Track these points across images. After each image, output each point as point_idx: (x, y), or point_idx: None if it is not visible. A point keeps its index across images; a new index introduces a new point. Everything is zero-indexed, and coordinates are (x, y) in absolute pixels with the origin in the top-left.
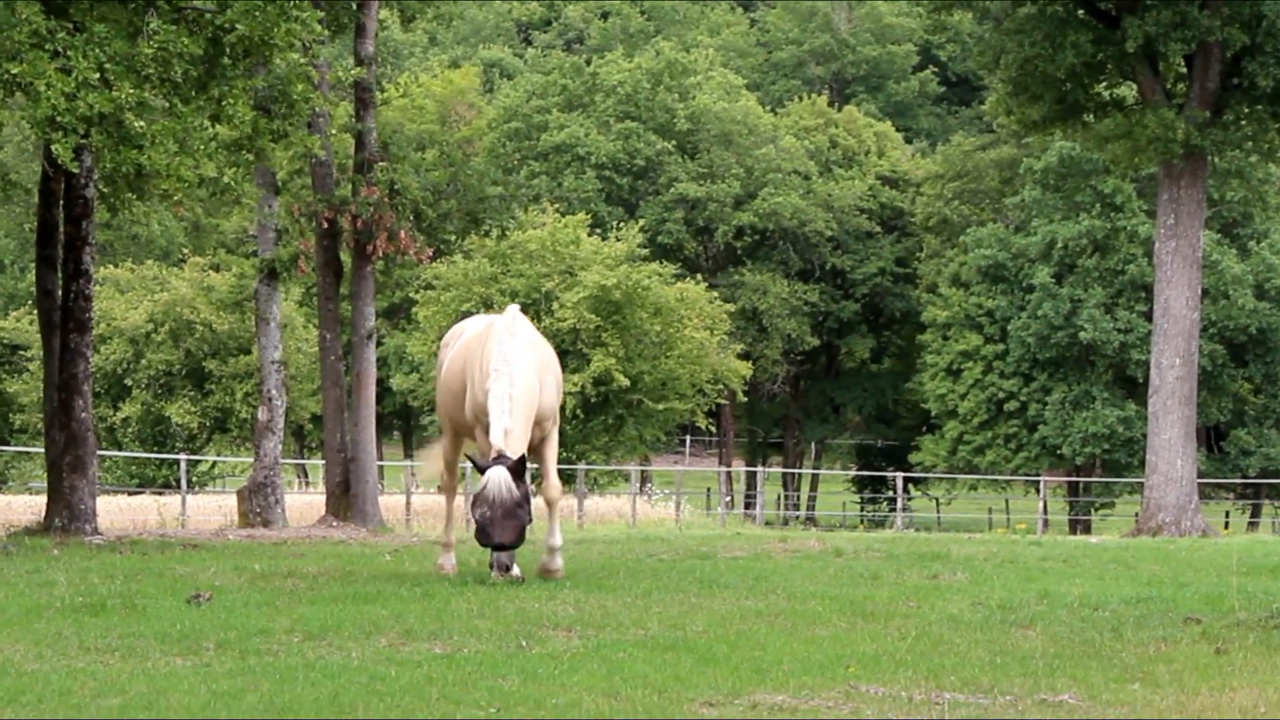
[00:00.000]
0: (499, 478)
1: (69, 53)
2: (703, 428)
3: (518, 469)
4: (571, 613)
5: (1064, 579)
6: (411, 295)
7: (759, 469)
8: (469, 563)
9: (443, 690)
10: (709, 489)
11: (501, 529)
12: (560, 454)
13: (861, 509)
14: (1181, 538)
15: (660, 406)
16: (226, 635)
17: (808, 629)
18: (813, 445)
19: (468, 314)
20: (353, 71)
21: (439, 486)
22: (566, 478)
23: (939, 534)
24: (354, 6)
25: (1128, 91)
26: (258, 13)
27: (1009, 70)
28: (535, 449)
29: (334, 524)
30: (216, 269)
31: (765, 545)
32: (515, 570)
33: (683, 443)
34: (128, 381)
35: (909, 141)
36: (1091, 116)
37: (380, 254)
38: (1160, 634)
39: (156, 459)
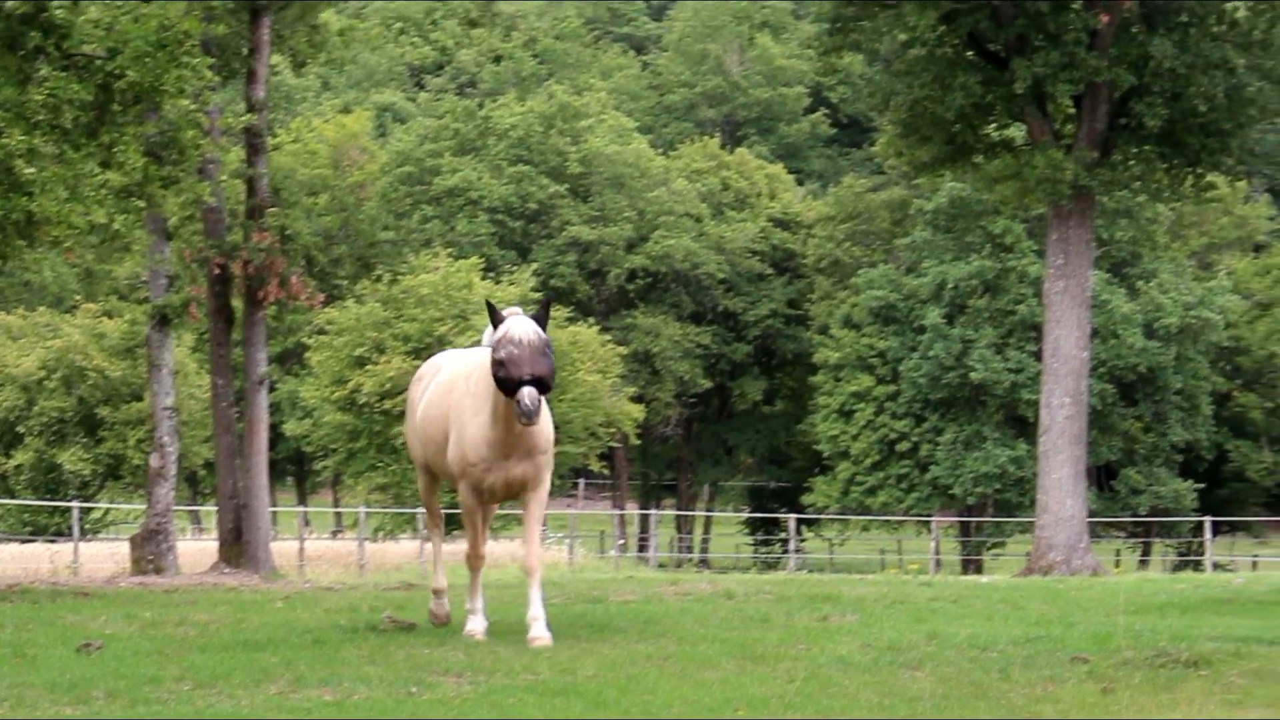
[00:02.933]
0: (521, 320)
1: None
2: (596, 471)
3: (539, 319)
4: (462, 658)
5: (953, 619)
6: (304, 340)
7: (652, 511)
8: (361, 609)
9: None
10: (603, 532)
11: (533, 361)
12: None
13: (754, 551)
14: (1072, 577)
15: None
16: (116, 684)
17: (698, 672)
18: (706, 487)
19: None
20: (244, 117)
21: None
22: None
23: (831, 575)
24: (245, 52)
25: (1017, 132)
26: (148, 59)
27: (899, 112)
28: (525, 497)
29: (226, 571)
30: (109, 315)
31: (657, 588)
32: (480, 624)
33: (576, 486)
34: (20, 429)
35: (800, 183)
36: (981, 157)
37: (272, 299)
38: (1048, 674)
39: (49, 506)
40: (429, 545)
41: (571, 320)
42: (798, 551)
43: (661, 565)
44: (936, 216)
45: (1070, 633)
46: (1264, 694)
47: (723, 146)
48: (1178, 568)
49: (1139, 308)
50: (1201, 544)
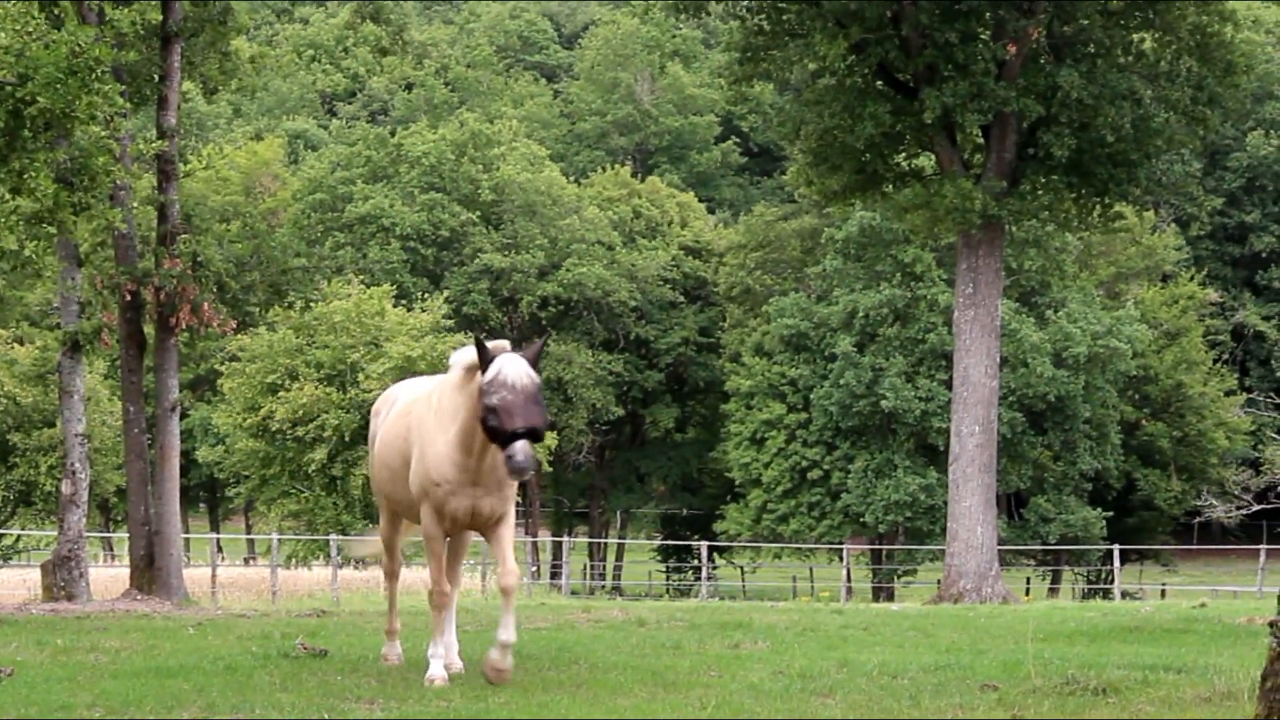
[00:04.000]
0: (515, 362)
1: None
2: None
3: (532, 361)
4: (374, 685)
5: (864, 647)
6: (216, 367)
7: (565, 539)
8: (274, 636)
9: None
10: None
11: (526, 411)
12: (364, 525)
13: (667, 578)
14: (982, 604)
15: None
16: (27, 711)
17: (610, 700)
18: (618, 514)
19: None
20: (155, 144)
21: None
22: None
23: (743, 603)
24: (156, 79)
25: (926, 162)
26: (59, 86)
27: (809, 141)
28: (490, 528)
29: (138, 597)
30: (20, 342)
31: (569, 615)
32: (455, 662)
33: None
34: None
35: (711, 211)
36: (891, 186)
37: (184, 326)
38: (957, 701)
39: None
40: (342, 573)
41: None
42: (710, 579)
43: (574, 592)
44: (847, 245)
45: (980, 660)
46: None
47: (634, 175)
48: (1087, 596)
49: (1048, 337)
50: (1110, 572)
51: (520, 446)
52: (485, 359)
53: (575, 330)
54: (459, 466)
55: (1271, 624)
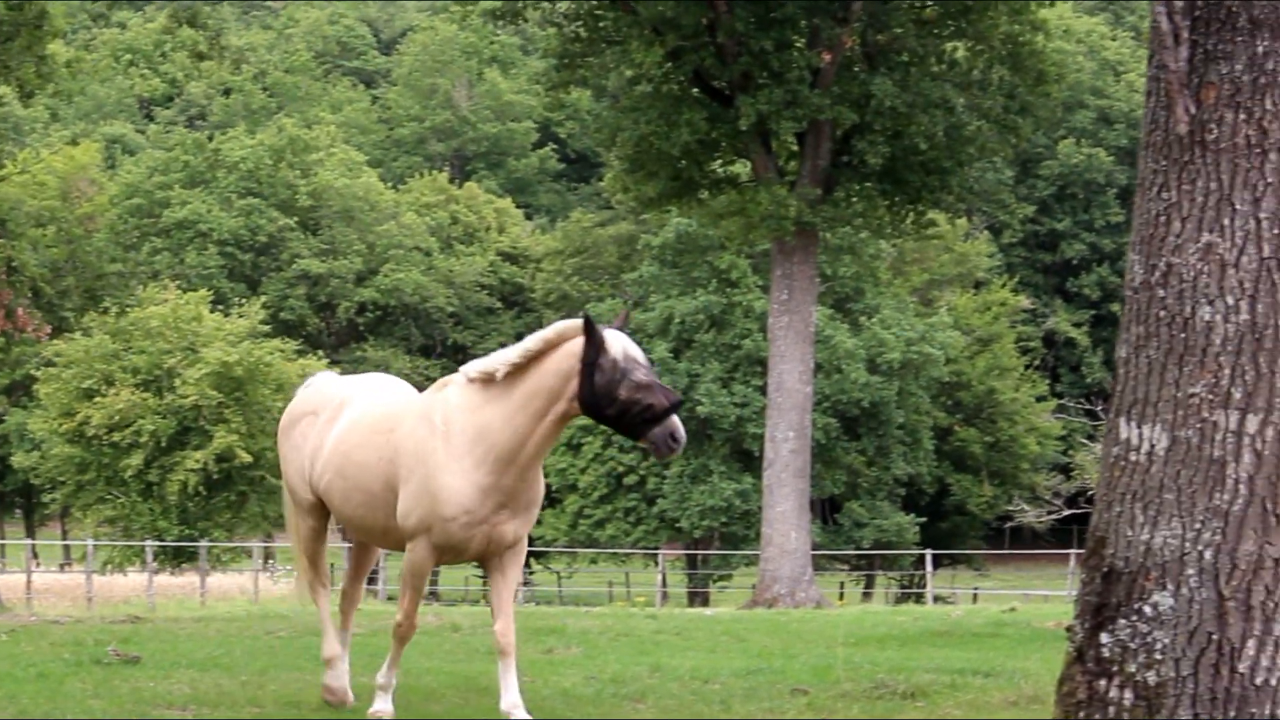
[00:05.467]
0: (625, 337)
1: None
2: None
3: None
4: (187, 691)
5: (677, 652)
6: (32, 372)
7: None
8: (87, 643)
9: None
10: (333, 565)
11: (665, 388)
12: (180, 531)
13: (484, 583)
14: (795, 609)
15: (283, 483)
16: None
17: (422, 705)
18: None
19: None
20: None
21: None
22: (189, 555)
23: (558, 608)
24: None
25: (742, 169)
26: None
27: (626, 147)
28: (498, 557)
29: None
30: None
31: (384, 621)
32: (388, 707)
33: None
34: None
35: (529, 218)
36: (707, 193)
37: None
38: (768, 705)
39: None
40: (157, 579)
41: (301, 353)
42: (526, 584)
43: (391, 597)
44: (663, 251)
45: (791, 665)
46: None
47: (452, 181)
48: (900, 600)
49: (862, 343)
50: (923, 576)
51: (677, 422)
52: (596, 334)
53: (392, 336)
54: (486, 491)
55: (1069, 629)
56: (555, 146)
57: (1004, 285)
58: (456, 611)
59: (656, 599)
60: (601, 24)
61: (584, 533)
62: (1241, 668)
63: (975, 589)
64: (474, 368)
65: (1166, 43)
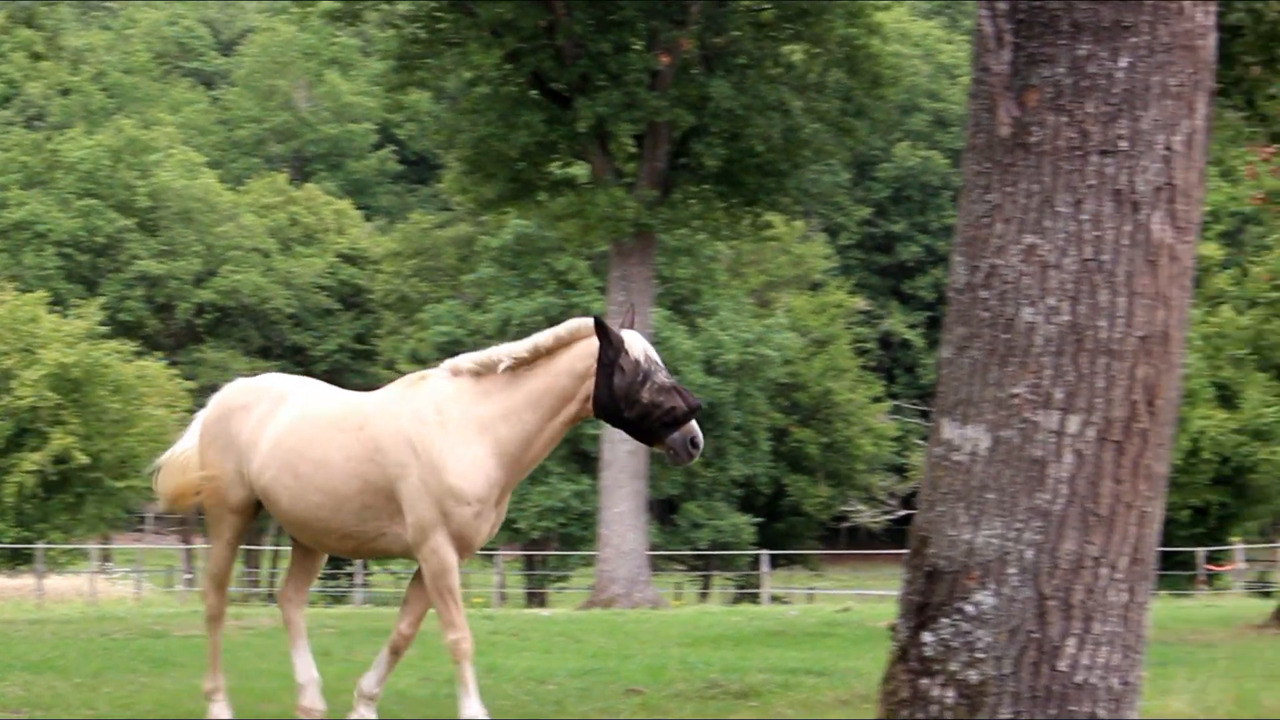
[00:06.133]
0: (642, 339)
1: None
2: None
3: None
4: (20, 694)
5: (513, 652)
6: None
7: None
8: None
9: None
10: (171, 566)
11: (686, 391)
12: (17, 533)
13: (323, 584)
14: (632, 609)
15: (121, 484)
16: None
17: (256, 707)
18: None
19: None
20: None
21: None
22: (25, 557)
23: (396, 609)
24: None
25: (580, 171)
26: None
27: (465, 149)
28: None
29: None
30: None
31: (257, 621)
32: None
33: (143, 520)
34: None
35: (368, 219)
36: (545, 195)
37: None
38: (602, 706)
39: None
40: None
41: (139, 354)
42: (365, 585)
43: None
44: (502, 253)
45: (626, 665)
46: None
47: (291, 182)
48: (736, 600)
49: (699, 344)
50: (759, 577)
51: (696, 428)
52: (610, 336)
53: (231, 337)
54: (494, 485)
55: (892, 628)
56: (395, 148)
57: (840, 287)
58: None
59: (494, 600)
60: (440, 26)
61: None
62: (1062, 666)
63: (811, 589)
64: (465, 360)
65: (989, 46)
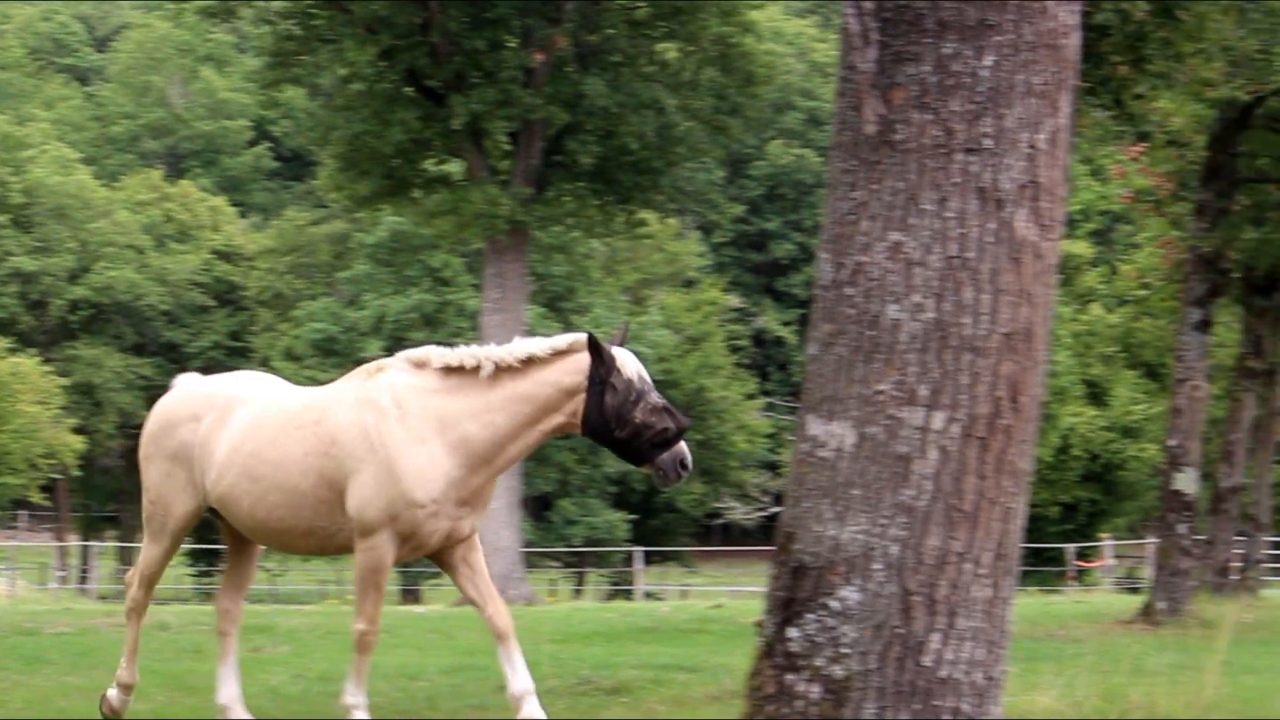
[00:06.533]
0: (633, 357)
1: None
2: (37, 502)
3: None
4: None
5: (386, 650)
6: None
7: (94, 543)
8: None
9: None
10: (44, 563)
11: (676, 412)
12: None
13: (196, 582)
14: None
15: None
16: None
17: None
18: None
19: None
20: None
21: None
22: None
23: (269, 606)
24: None
25: (455, 168)
26: None
27: (339, 146)
28: (454, 550)
29: None
30: None
31: (93, 620)
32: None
33: (17, 517)
34: None
35: (243, 216)
36: (420, 192)
37: None
38: (474, 702)
39: None
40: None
41: (13, 351)
42: None
43: (103, 597)
44: (377, 250)
45: (498, 662)
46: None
47: (166, 178)
48: (611, 597)
49: None
50: (633, 574)
51: (686, 447)
52: (602, 352)
53: (105, 334)
54: (454, 484)
55: (758, 624)
56: (270, 145)
57: (714, 284)
58: (168, 611)
59: None
60: (315, 22)
61: None
62: (926, 661)
63: (685, 585)
64: (434, 353)
65: (855, 44)
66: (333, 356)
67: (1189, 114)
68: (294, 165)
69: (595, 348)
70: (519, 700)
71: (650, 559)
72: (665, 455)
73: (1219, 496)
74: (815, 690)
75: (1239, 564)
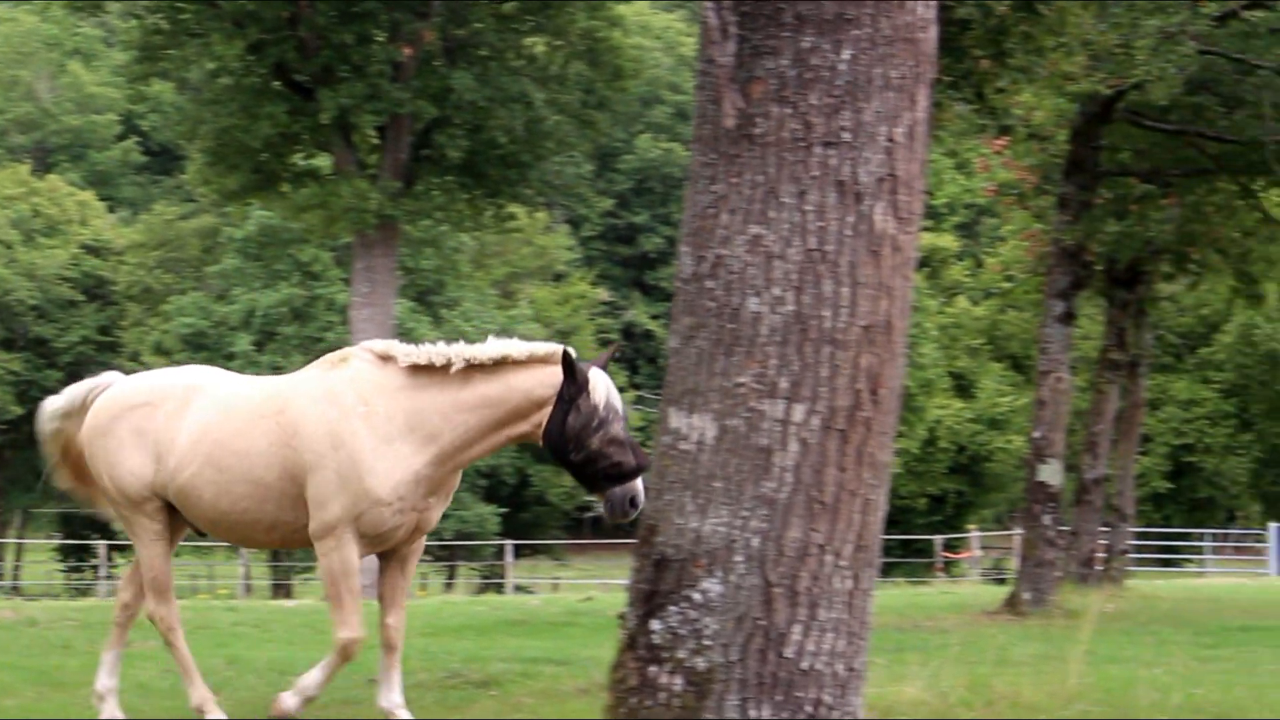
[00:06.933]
0: (609, 381)
1: None
2: None
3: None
4: None
5: (255, 644)
6: None
7: None
8: None
9: None
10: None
11: (638, 447)
12: None
13: (66, 578)
14: (377, 601)
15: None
16: None
17: None
18: (18, 514)
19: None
20: None
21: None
22: None
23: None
24: None
25: (324, 162)
26: None
27: (207, 140)
28: (401, 549)
29: None
30: None
31: None
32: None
33: None
34: None
35: (112, 210)
36: (288, 186)
37: None
38: (344, 696)
39: None
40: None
41: None
42: (109, 578)
43: None
44: (246, 244)
45: (368, 655)
46: (549, 712)
47: (34, 173)
48: (481, 590)
49: (444, 336)
50: (504, 567)
51: (641, 488)
52: (577, 372)
53: None
54: (422, 481)
55: (620, 616)
56: (138, 139)
57: (583, 278)
58: (36, 606)
59: (239, 591)
60: (183, 16)
61: None
62: (788, 653)
63: (556, 579)
64: (400, 348)
65: (714, 38)
66: (202, 351)
67: (1051, 108)
68: (163, 159)
69: (569, 366)
70: (386, 713)
71: (521, 552)
72: (617, 490)
73: (1083, 488)
74: (678, 682)
75: (1103, 554)
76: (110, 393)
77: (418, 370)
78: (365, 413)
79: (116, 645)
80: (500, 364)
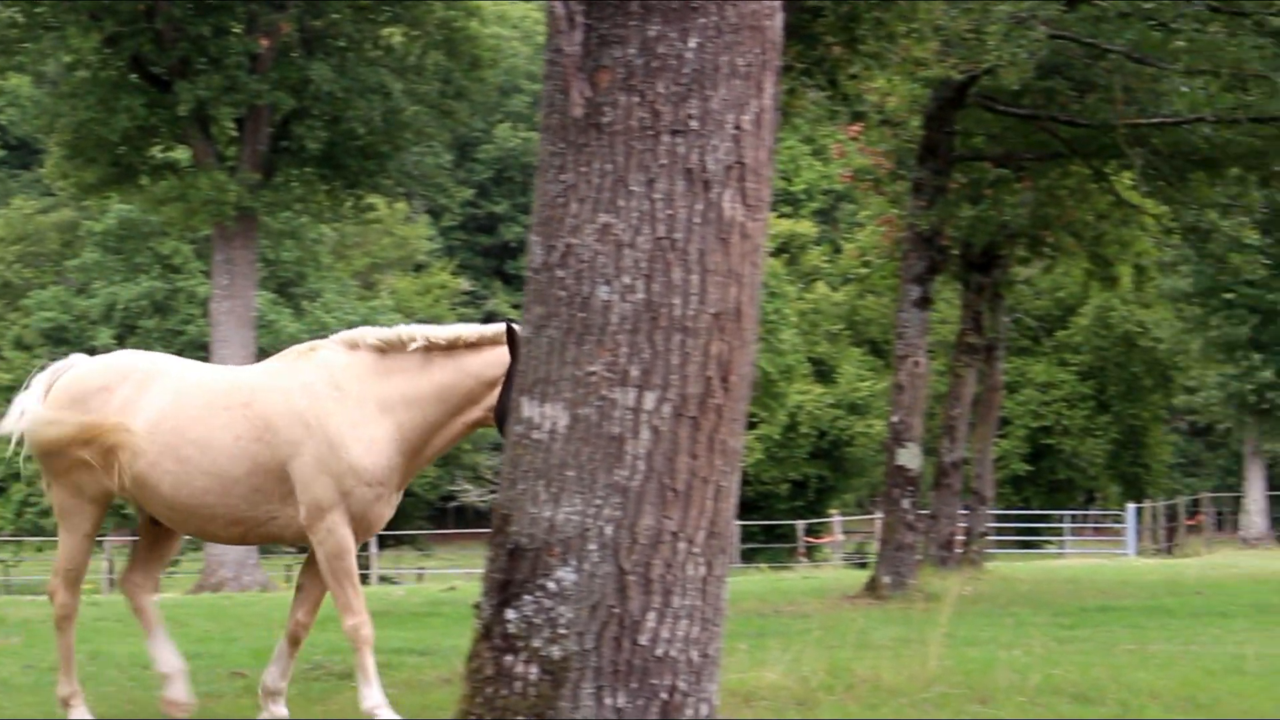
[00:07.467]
0: None
1: None
2: None
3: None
4: None
5: (118, 638)
6: None
7: None
8: None
9: None
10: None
11: None
12: None
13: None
14: (241, 593)
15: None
16: None
17: None
18: None
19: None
20: None
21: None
22: None
23: (3, 597)
24: None
25: (182, 154)
26: None
27: (65, 134)
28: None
29: None
30: None
31: None
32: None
33: None
34: None
35: None
36: (147, 179)
37: None
38: (208, 689)
39: None
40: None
41: None
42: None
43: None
44: (106, 238)
45: (231, 649)
46: (411, 702)
47: None
48: None
49: (305, 327)
50: (368, 558)
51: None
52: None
53: None
54: (394, 468)
55: (475, 606)
56: None
57: (444, 268)
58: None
59: (103, 586)
60: (38, 9)
61: (30, 521)
62: (642, 640)
63: (420, 569)
64: (368, 333)
65: (561, 26)
66: (63, 345)
67: (904, 94)
68: (20, 153)
69: (514, 343)
70: (270, 694)
71: (385, 543)
72: None
73: (942, 471)
74: (533, 671)
75: (963, 537)
76: (69, 376)
77: (383, 354)
78: (338, 397)
79: (155, 625)
80: (454, 345)
